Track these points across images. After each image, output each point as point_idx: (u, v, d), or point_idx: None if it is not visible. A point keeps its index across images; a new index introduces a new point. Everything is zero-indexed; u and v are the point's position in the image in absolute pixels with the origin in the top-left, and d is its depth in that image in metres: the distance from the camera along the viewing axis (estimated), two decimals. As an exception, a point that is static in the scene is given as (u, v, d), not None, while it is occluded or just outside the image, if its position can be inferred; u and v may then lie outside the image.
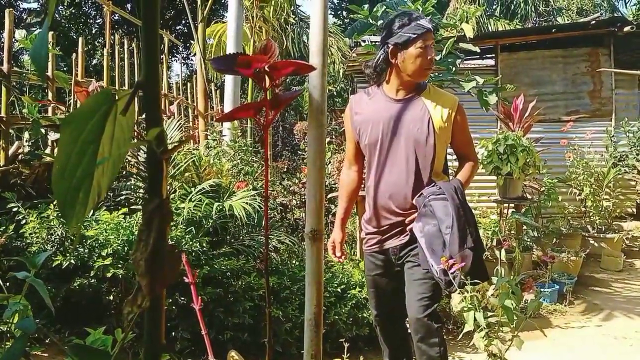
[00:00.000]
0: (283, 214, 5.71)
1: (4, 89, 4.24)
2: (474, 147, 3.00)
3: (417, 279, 2.74)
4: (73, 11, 20.06)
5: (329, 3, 20.75)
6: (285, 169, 9.44)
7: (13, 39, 4.39)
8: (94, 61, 18.15)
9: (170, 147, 0.84)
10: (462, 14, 5.12)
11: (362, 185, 3.09)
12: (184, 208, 4.08)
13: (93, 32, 20.49)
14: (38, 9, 19.50)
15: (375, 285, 2.97)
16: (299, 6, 12.03)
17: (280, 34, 11.25)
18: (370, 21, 4.92)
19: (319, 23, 1.77)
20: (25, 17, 18.98)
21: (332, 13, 24.21)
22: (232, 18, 7.88)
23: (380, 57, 2.83)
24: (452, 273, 2.48)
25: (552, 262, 3.97)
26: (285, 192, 6.40)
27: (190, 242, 3.81)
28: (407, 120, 2.79)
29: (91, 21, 21.20)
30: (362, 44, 7.90)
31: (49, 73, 4.71)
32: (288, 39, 12.74)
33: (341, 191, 3.10)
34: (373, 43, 5.32)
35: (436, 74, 5.04)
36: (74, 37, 17.72)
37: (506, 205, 5.59)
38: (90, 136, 0.74)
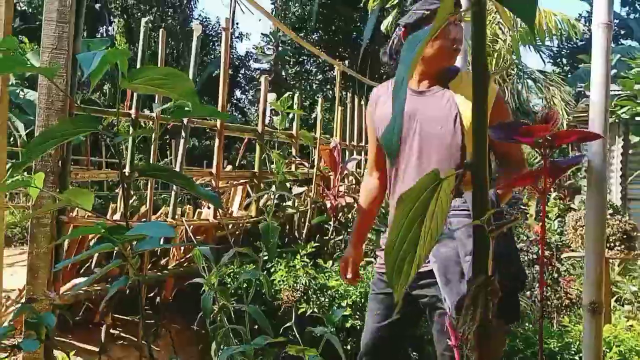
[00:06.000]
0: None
1: (257, 147, 4.67)
2: (521, 148, 2.28)
3: (438, 330, 2.16)
4: (297, 69, 21.97)
5: (548, 51, 20.08)
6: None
7: (267, 103, 4.86)
8: (313, 114, 19.57)
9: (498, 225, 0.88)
10: None
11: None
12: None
13: (313, 87, 22.21)
14: (268, 69, 21.47)
15: None
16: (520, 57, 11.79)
17: (502, 86, 11.09)
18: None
19: (600, 86, 1.67)
20: (257, 76, 21.00)
21: (551, 61, 23.47)
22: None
23: (393, 41, 2.31)
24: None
25: None
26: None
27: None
28: (428, 116, 2.20)
29: (312, 77, 23.04)
30: (587, 93, 7.49)
31: (293, 131, 5.10)
32: (507, 91, 12.51)
33: (359, 201, 2.60)
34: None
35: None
36: (295, 91, 19.30)
37: None
38: (417, 212, 0.82)
